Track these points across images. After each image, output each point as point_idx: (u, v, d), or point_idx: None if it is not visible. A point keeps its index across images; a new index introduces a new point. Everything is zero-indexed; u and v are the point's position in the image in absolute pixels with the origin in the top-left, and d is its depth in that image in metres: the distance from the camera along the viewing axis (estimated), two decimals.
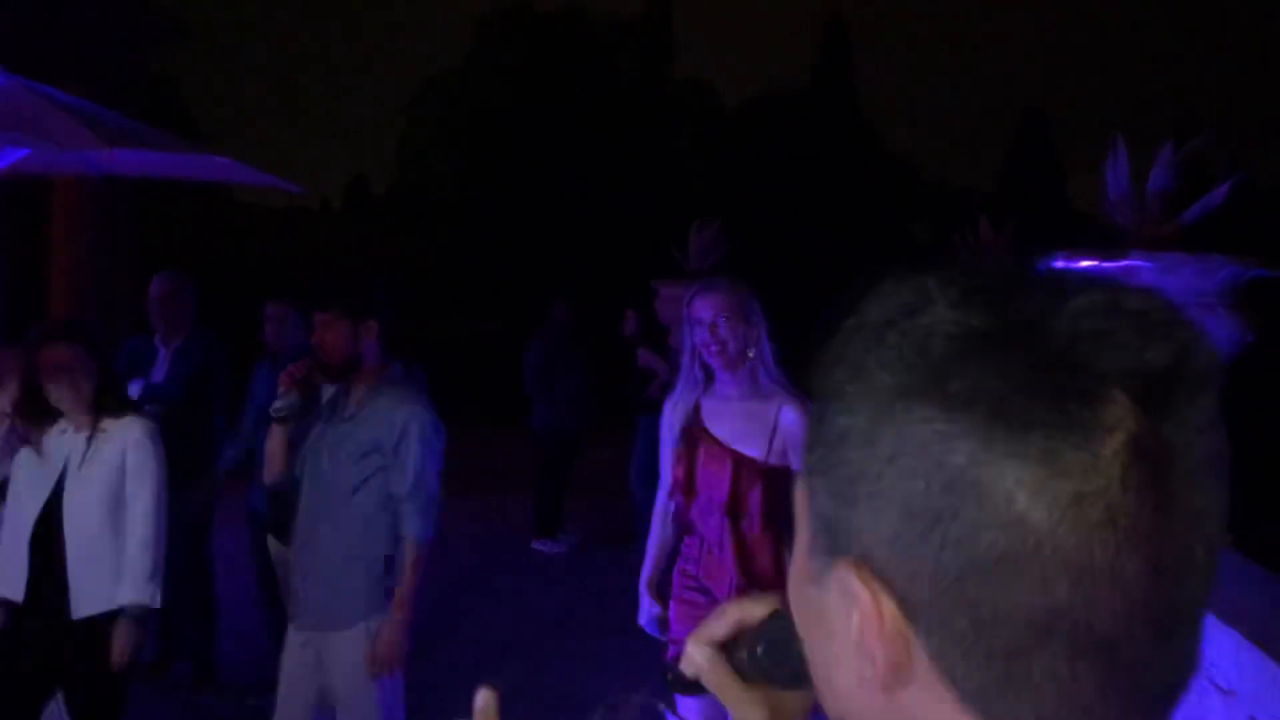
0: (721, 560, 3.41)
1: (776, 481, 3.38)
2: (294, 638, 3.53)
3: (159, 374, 5.25)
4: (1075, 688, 0.56)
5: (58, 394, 3.44)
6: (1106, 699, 0.57)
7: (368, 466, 3.43)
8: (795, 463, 3.39)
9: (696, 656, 0.89)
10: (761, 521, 3.37)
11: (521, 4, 35.03)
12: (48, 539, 3.45)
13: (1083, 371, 0.54)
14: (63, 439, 3.51)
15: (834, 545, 0.61)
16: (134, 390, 4.66)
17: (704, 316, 3.42)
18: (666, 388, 7.85)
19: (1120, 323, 0.56)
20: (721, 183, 30.98)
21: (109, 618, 3.41)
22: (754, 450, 3.39)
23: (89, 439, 3.47)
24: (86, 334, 3.58)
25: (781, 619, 0.82)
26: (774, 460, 3.38)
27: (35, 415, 3.50)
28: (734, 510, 3.39)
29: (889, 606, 0.59)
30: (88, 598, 3.41)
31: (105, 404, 3.50)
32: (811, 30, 39.16)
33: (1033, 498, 0.54)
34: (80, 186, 9.90)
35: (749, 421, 3.43)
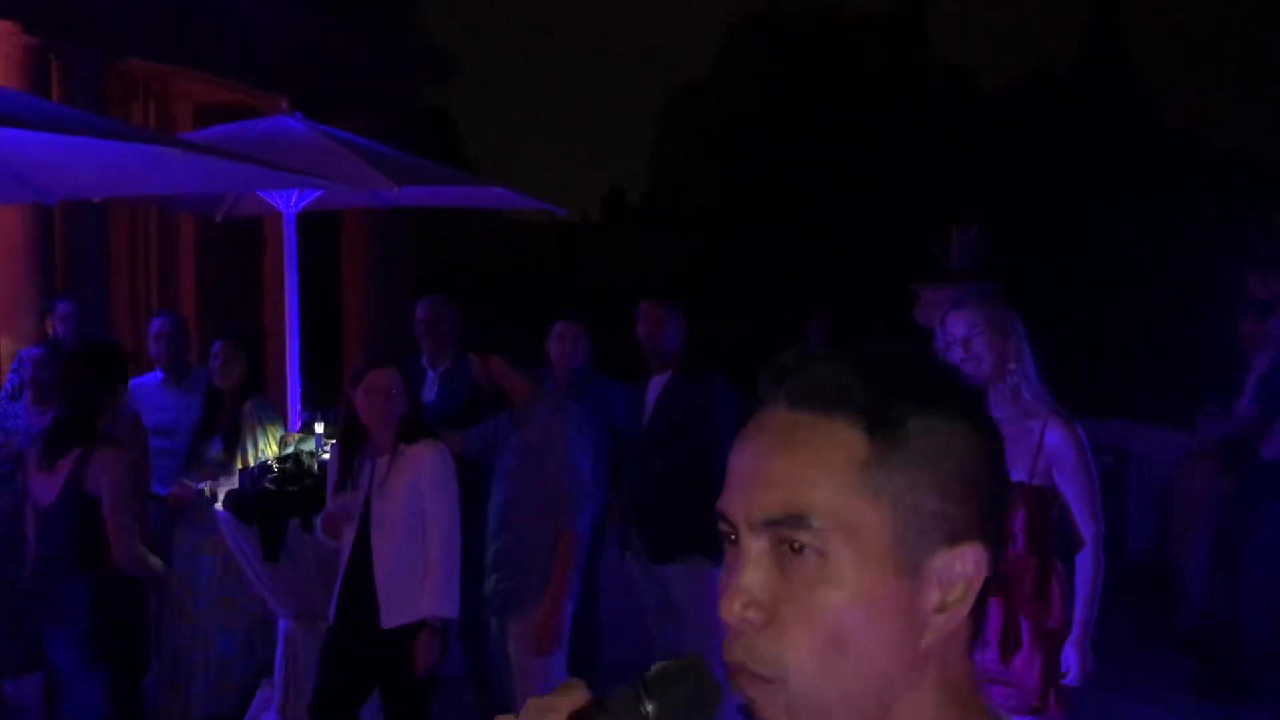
0: None
1: (1041, 503, 3.23)
2: None
3: (429, 394, 5.31)
4: None
5: (371, 414, 3.71)
6: None
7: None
8: (1060, 482, 3.23)
9: None
10: (1026, 546, 3.22)
11: (769, 6, 35.03)
12: (359, 557, 3.75)
13: None
14: (367, 464, 3.80)
15: (939, 535, 0.83)
16: None
17: (957, 333, 3.30)
18: None
19: None
20: (983, 175, 29.82)
21: (414, 628, 3.66)
22: (1018, 471, 3.19)
23: (390, 462, 3.74)
24: (405, 364, 3.95)
25: (673, 674, 0.81)
26: (1038, 481, 3.22)
27: (354, 443, 3.80)
28: None
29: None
30: (395, 609, 3.68)
31: (407, 430, 3.75)
32: (1077, 2, 37.10)
33: None
34: (364, 217, 10.68)
35: (1011, 441, 3.26)
